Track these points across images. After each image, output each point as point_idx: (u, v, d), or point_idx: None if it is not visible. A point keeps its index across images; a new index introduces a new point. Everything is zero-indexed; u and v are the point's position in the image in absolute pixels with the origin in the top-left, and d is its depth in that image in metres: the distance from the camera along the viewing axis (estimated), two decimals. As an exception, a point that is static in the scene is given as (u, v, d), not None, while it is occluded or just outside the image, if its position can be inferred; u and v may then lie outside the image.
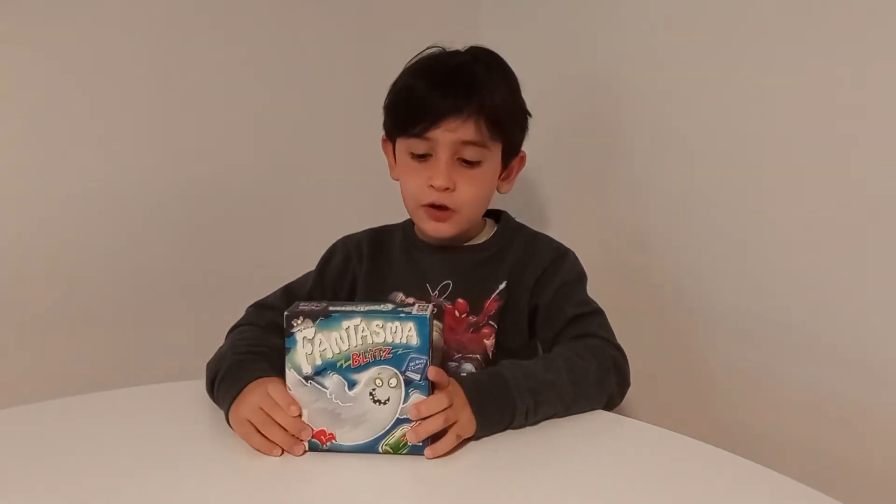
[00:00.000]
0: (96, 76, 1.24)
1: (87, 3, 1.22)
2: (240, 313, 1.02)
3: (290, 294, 1.03)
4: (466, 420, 0.81)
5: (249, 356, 0.91)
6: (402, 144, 1.01)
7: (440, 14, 1.49)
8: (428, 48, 1.03)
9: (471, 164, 0.99)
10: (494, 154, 1.01)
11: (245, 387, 0.84)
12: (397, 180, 1.04)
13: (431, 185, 0.98)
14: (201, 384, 0.94)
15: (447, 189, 0.98)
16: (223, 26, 1.34)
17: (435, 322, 0.81)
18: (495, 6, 1.52)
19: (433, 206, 0.99)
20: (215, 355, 0.94)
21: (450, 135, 0.96)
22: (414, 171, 1.00)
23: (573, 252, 1.05)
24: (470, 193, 0.99)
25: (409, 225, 1.09)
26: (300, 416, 0.80)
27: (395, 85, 1.03)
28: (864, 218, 0.99)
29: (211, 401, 0.91)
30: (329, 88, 1.43)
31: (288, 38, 1.39)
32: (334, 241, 1.11)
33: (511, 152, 1.04)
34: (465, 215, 1.01)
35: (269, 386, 0.82)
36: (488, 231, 1.08)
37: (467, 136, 0.97)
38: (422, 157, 0.99)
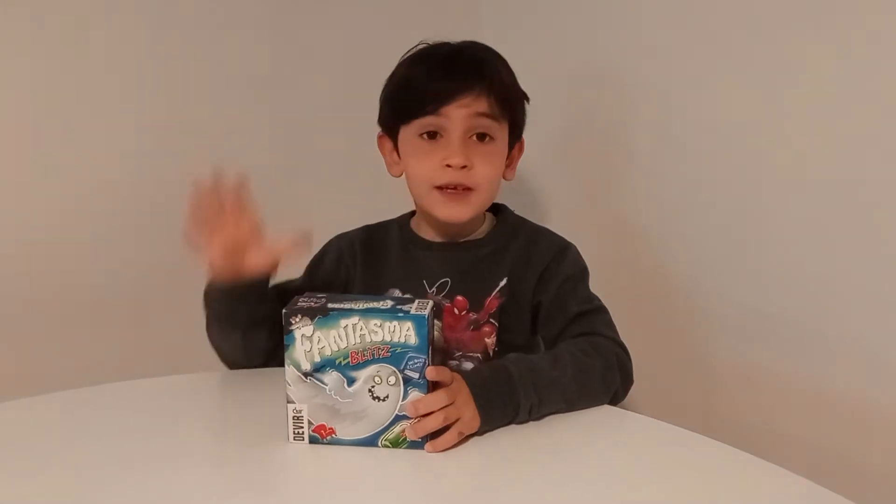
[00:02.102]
0: (92, 74, 1.25)
1: (83, 2, 1.22)
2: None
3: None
4: (470, 417, 0.81)
5: None
6: (410, 129, 0.99)
7: (440, 12, 1.49)
8: (418, 45, 1.02)
9: (485, 139, 0.98)
10: (503, 133, 1.00)
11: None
12: (398, 176, 1.03)
13: (448, 165, 0.96)
14: (199, 378, 0.95)
15: (464, 167, 0.96)
16: (220, 24, 1.34)
17: (434, 321, 0.81)
18: (495, 3, 1.51)
19: (448, 187, 0.97)
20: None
21: (464, 110, 0.96)
22: (424, 153, 0.98)
23: (575, 246, 1.03)
24: (486, 172, 0.98)
25: (405, 220, 1.08)
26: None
27: (393, 76, 1.01)
28: (866, 214, 0.99)
29: (211, 394, 0.93)
30: (326, 86, 1.43)
31: (285, 36, 1.39)
32: (332, 236, 1.09)
33: (515, 134, 1.04)
34: (482, 196, 0.99)
35: None
36: (488, 226, 1.06)
37: (481, 108, 0.96)
38: (432, 138, 0.97)
